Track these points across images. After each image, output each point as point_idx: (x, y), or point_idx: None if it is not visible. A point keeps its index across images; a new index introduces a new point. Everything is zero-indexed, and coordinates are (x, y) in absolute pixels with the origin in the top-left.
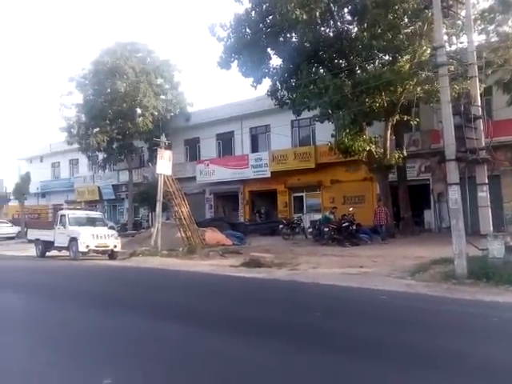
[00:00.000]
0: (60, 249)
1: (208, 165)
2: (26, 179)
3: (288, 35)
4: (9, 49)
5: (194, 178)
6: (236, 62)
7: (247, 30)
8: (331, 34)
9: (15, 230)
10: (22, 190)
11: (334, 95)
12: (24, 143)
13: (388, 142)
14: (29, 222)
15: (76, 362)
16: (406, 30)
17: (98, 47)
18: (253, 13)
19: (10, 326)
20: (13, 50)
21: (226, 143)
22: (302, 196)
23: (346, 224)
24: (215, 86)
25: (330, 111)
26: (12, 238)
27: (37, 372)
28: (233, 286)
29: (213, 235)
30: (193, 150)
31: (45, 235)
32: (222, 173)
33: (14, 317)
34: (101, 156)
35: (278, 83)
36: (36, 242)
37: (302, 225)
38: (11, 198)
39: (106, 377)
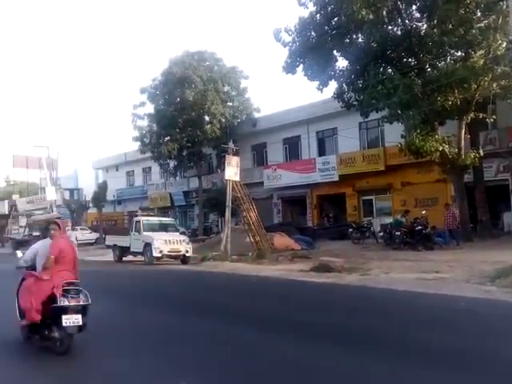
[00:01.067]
0: (135, 254)
1: (275, 170)
2: (103, 188)
3: (354, 36)
4: (88, 64)
5: (261, 183)
6: (301, 65)
7: (312, 33)
8: (399, 33)
9: (94, 236)
10: (99, 198)
11: (404, 95)
12: (101, 154)
13: (462, 141)
14: (106, 228)
15: (159, 365)
16: (479, 24)
17: (168, 58)
18: (317, 16)
19: (101, 330)
20: (91, 65)
21: (292, 147)
22: (372, 199)
23: (419, 227)
24: (281, 91)
25: (399, 111)
26: (91, 244)
27: (125, 374)
28: (304, 291)
29: (281, 240)
30: (260, 156)
31: (121, 241)
32: (290, 177)
33: (100, 320)
34: (172, 164)
35: (344, 85)
36: (113, 247)
37: (372, 229)
38: (90, 205)
39: (182, 379)
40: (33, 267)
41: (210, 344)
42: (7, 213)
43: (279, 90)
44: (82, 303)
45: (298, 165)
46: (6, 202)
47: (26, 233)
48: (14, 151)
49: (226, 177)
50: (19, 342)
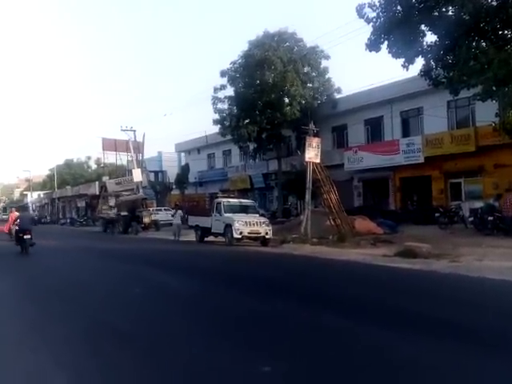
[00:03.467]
0: (216, 235)
1: (356, 152)
2: (185, 170)
3: (444, 9)
4: (170, 49)
5: (341, 166)
6: (386, 42)
7: (398, 7)
8: (494, 3)
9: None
10: (182, 180)
11: (499, 70)
12: (184, 137)
13: None
14: (189, 209)
15: (240, 348)
16: None
17: (248, 40)
18: None
19: (178, 309)
20: (174, 49)
21: (374, 129)
22: (460, 182)
23: None
24: (363, 70)
25: (493, 88)
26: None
27: (201, 357)
28: (390, 277)
29: (363, 223)
30: (340, 137)
31: (203, 222)
32: (371, 159)
33: (180, 298)
34: (251, 146)
35: (432, 62)
36: (195, 227)
37: (460, 213)
38: (173, 187)
39: (265, 364)
40: None
41: (295, 329)
42: (98, 193)
43: (361, 70)
44: None
45: (381, 146)
46: (97, 183)
47: (114, 212)
48: (103, 135)
49: (307, 159)
50: None
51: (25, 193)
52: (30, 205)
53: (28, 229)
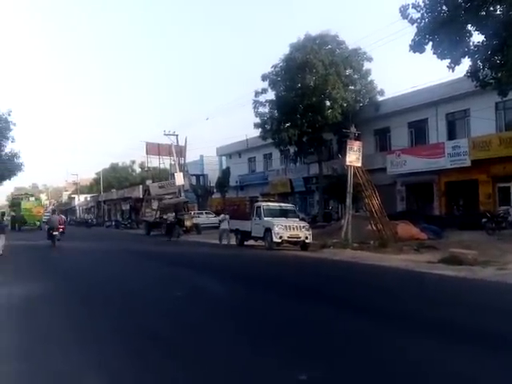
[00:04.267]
0: (256, 238)
1: (399, 155)
2: (226, 174)
3: (492, 8)
4: (213, 55)
5: (384, 169)
6: (430, 43)
7: (443, 7)
8: None
9: (216, 220)
10: (223, 184)
11: None
12: (225, 140)
13: None
14: (229, 213)
15: (279, 354)
16: None
17: (289, 43)
18: None
19: (217, 313)
20: (216, 55)
21: (418, 131)
22: (509, 186)
23: None
24: (406, 72)
25: None
26: (216, 228)
27: (238, 363)
28: (433, 284)
29: (406, 228)
30: (383, 141)
31: (243, 225)
32: (415, 163)
33: (220, 302)
34: (292, 150)
35: (479, 62)
36: (235, 231)
37: (509, 218)
38: (214, 190)
39: (302, 371)
40: None
41: (334, 336)
42: (141, 197)
43: (404, 71)
44: None
45: (425, 149)
46: (141, 186)
47: (157, 215)
48: (147, 139)
49: (348, 162)
50: None
51: (72, 196)
52: (77, 208)
53: (55, 227)
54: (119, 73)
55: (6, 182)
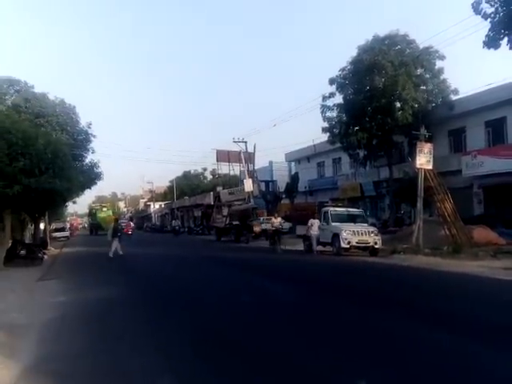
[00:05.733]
0: (324, 244)
1: (475, 156)
2: (295, 179)
3: None
4: (280, 62)
5: (459, 172)
6: (506, 38)
7: None
8: None
9: (287, 225)
10: (291, 189)
11: None
12: (294, 146)
13: None
14: (296, 218)
15: (337, 359)
16: None
17: (357, 46)
18: None
19: (283, 318)
20: (280, 60)
21: (496, 131)
22: None
23: None
24: (480, 69)
25: None
26: (285, 233)
27: (302, 366)
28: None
29: (482, 233)
30: (457, 141)
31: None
32: (493, 164)
33: (286, 307)
34: (361, 153)
35: None
36: (303, 237)
37: None
38: (283, 196)
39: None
40: None
41: (401, 345)
42: (212, 203)
43: (479, 68)
44: None
45: (504, 150)
46: (212, 193)
47: (227, 222)
48: (217, 147)
49: (418, 165)
50: None
51: (148, 203)
52: (153, 215)
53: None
54: (191, 82)
55: (87, 191)
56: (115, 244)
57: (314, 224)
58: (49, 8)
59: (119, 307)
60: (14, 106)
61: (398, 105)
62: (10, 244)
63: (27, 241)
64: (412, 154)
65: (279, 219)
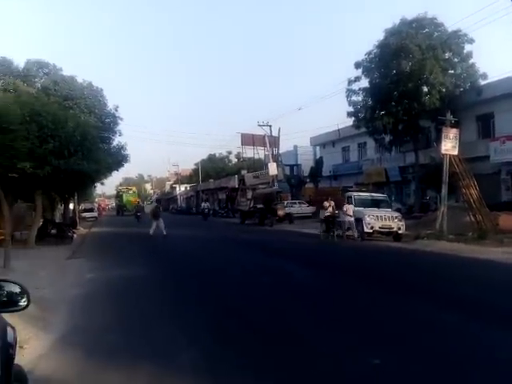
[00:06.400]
0: (348, 228)
1: (504, 142)
2: (319, 163)
3: None
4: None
5: (487, 158)
6: None
7: None
8: None
9: (311, 209)
10: (316, 174)
11: None
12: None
13: None
14: (320, 202)
15: (353, 340)
16: None
17: (384, 29)
18: None
19: (302, 299)
20: (308, 44)
21: None
22: None
23: None
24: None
25: None
26: (309, 217)
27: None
28: None
29: (509, 220)
30: (486, 127)
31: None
32: None
33: (306, 289)
34: (387, 138)
35: None
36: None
37: None
38: (307, 180)
39: (375, 357)
40: None
41: (417, 327)
42: (237, 186)
43: (509, 53)
44: None
45: None
46: (236, 176)
47: (251, 205)
48: (242, 130)
49: (443, 151)
50: None
51: (174, 186)
52: (178, 197)
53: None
54: (216, 66)
55: (115, 173)
56: (155, 224)
57: (349, 209)
58: None
59: (144, 284)
60: (44, 89)
61: (425, 89)
62: (41, 223)
63: (57, 220)
64: (438, 139)
65: (332, 203)
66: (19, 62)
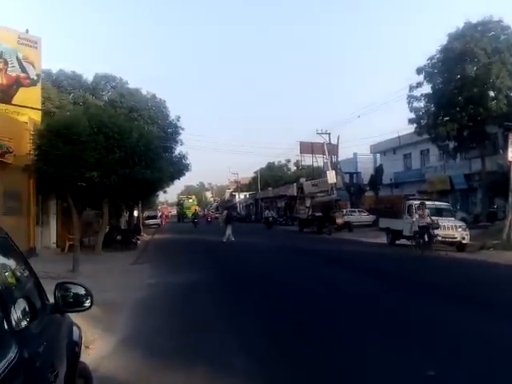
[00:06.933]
0: (408, 238)
1: None
2: (379, 171)
3: None
4: (365, 52)
5: None
6: None
7: None
8: None
9: (371, 218)
10: (376, 182)
11: None
12: (379, 137)
13: None
14: (379, 211)
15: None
16: None
17: (447, 33)
18: None
19: (355, 308)
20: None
21: None
22: None
23: None
24: None
25: None
26: (368, 226)
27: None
28: None
29: None
30: None
31: (394, 224)
32: None
33: (360, 298)
34: (451, 145)
35: None
36: (386, 230)
37: None
38: (367, 188)
39: (430, 369)
40: None
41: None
42: (295, 194)
43: None
44: None
45: None
46: (295, 184)
47: (309, 213)
48: (301, 139)
49: (510, 158)
50: None
51: (233, 194)
52: (237, 204)
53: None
54: (275, 75)
55: (177, 181)
56: (229, 230)
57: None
58: (140, 9)
59: (203, 290)
60: (111, 102)
61: (492, 94)
62: (107, 230)
63: (123, 227)
64: (505, 145)
65: (427, 211)
66: (88, 75)
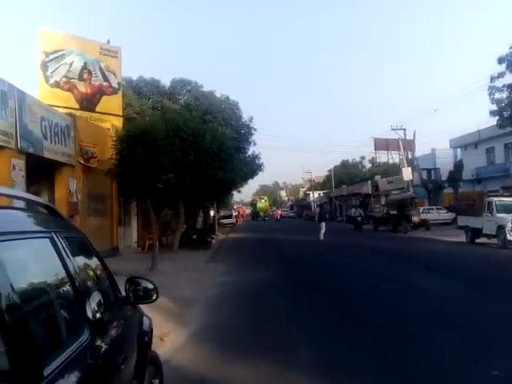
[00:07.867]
0: (489, 236)
1: None
2: (459, 167)
3: None
4: (444, 43)
5: None
6: None
7: None
8: None
9: (450, 216)
10: (455, 178)
11: None
12: (460, 131)
13: None
14: (459, 208)
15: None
16: None
17: None
18: None
19: (425, 311)
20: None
21: None
22: None
23: None
24: None
25: None
26: (448, 224)
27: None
28: None
29: None
30: None
31: (473, 222)
32: None
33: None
34: None
35: None
36: (465, 228)
37: None
38: (445, 185)
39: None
40: None
41: None
42: (370, 192)
43: None
44: None
45: None
46: (369, 182)
47: (384, 211)
48: (375, 135)
49: None
50: None
51: (307, 192)
52: (312, 203)
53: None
54: (348, 74)
55: (251, 181)
56: (323, 229)
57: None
58: (214, 15)
59: (274, 287)
60: (186, 105)
61: None
62: (184, 229)
63: (198, 227)
64: None
65: None
66: (165, 81)
